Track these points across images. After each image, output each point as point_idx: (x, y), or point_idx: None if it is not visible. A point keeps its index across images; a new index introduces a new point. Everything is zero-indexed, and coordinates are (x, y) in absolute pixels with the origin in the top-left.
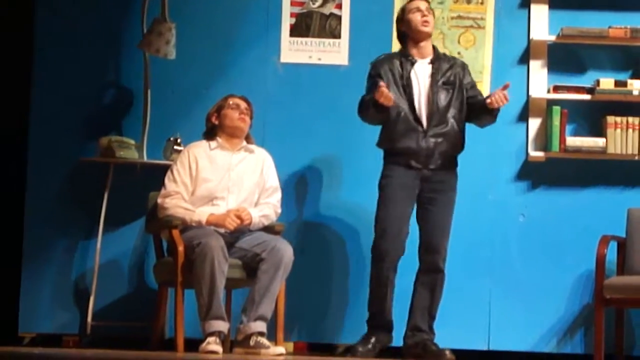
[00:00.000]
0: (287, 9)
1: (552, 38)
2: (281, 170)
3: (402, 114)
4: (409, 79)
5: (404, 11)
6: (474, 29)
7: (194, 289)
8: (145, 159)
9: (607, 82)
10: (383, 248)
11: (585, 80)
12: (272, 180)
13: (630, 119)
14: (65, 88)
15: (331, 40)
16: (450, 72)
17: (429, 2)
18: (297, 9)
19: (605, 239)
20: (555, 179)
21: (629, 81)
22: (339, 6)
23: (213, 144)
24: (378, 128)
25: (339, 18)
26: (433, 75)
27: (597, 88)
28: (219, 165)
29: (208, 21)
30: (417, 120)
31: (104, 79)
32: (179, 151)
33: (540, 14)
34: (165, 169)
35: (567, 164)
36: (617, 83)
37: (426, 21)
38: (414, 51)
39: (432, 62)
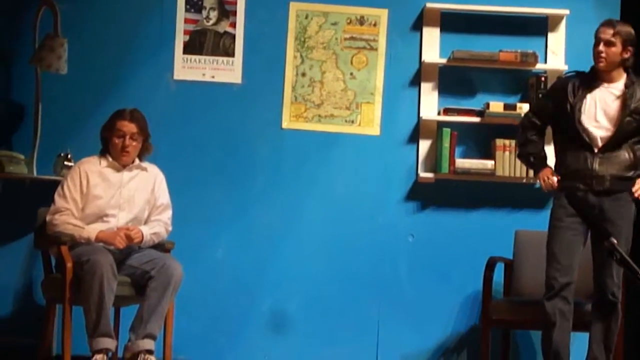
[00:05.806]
0: (180, 26)
1: (443, 61)
2: (173, 187)
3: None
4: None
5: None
6: (367, 50)
7: (82, 306)
8: (34, 174)
9: (496, 106)
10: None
11: (476, 103)
12: (163, 197)
13: None
14: None
15: (225, 59)
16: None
17: (614, 27)
18: (191, 27)
19: (493, 260)
20: (445, 200)
21: (518, 104)
22: (233, 25)
23: (104, 161)
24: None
25: (233, 36)
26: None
27: (487, 111)
28: (110, 182)
29: (101, 37)
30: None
31: None
32: (69, 167)
33: (432, 36)
34: (55, 184)
35: (457, 185)
36: (507, 106)
37: (601, 57)
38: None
39: (626, 86)
